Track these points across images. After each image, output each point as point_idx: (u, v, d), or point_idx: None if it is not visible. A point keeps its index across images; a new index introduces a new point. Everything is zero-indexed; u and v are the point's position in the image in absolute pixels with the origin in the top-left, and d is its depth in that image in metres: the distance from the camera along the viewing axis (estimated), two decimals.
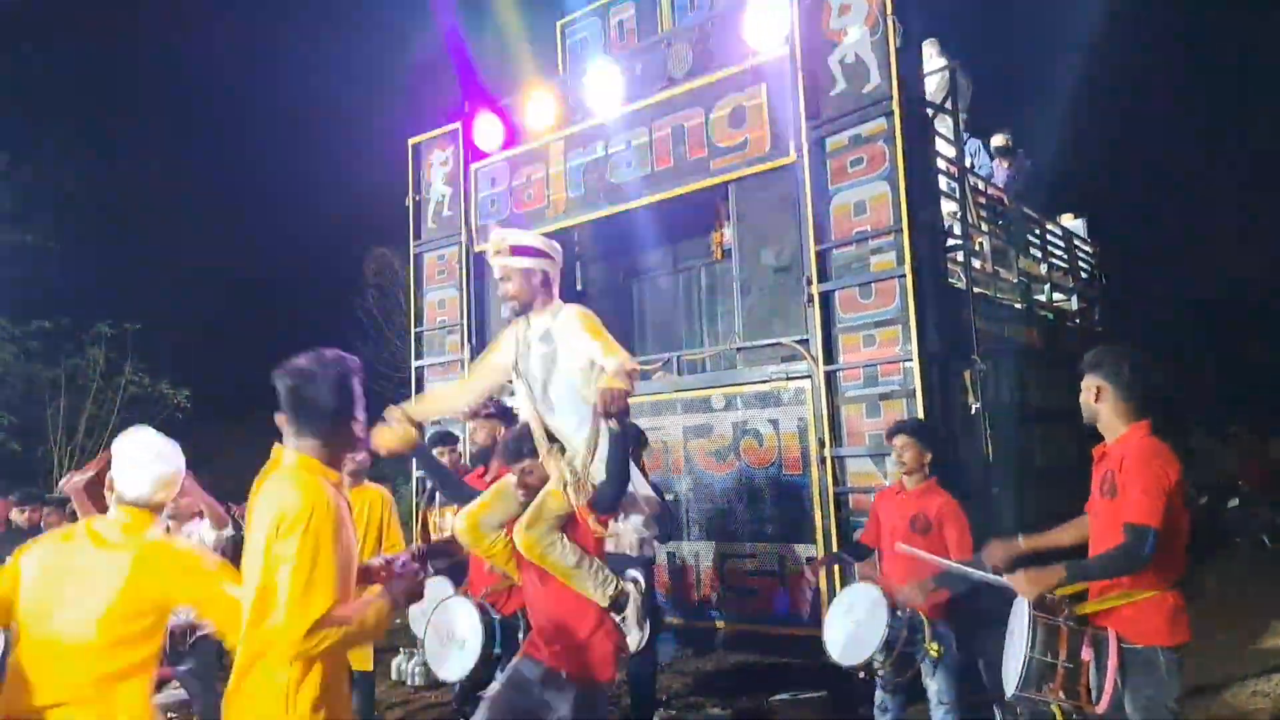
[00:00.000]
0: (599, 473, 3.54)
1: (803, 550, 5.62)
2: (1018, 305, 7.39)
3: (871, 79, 5.56)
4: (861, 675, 4.19)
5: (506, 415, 5.02)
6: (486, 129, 7.75)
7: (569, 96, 7.31)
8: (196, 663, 4.89)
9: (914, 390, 5.24)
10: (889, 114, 5.46)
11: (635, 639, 3.70)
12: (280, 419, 2.47)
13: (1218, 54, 19.68)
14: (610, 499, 3.58)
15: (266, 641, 2.24)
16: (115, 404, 15.29)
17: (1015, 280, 7.50)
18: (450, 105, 8.43)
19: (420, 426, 3.93)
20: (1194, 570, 3.25)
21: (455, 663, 4.48)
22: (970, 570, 3.54)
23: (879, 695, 4.36)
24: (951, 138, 6.39)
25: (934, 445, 4.53)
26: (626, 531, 4.16)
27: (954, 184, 6.25)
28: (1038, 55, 16.98)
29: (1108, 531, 3.11)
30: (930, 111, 6.14)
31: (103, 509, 3.05)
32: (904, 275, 5.32)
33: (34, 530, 6.69)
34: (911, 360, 5.26)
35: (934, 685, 4.18)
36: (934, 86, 6.86)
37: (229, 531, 4.93)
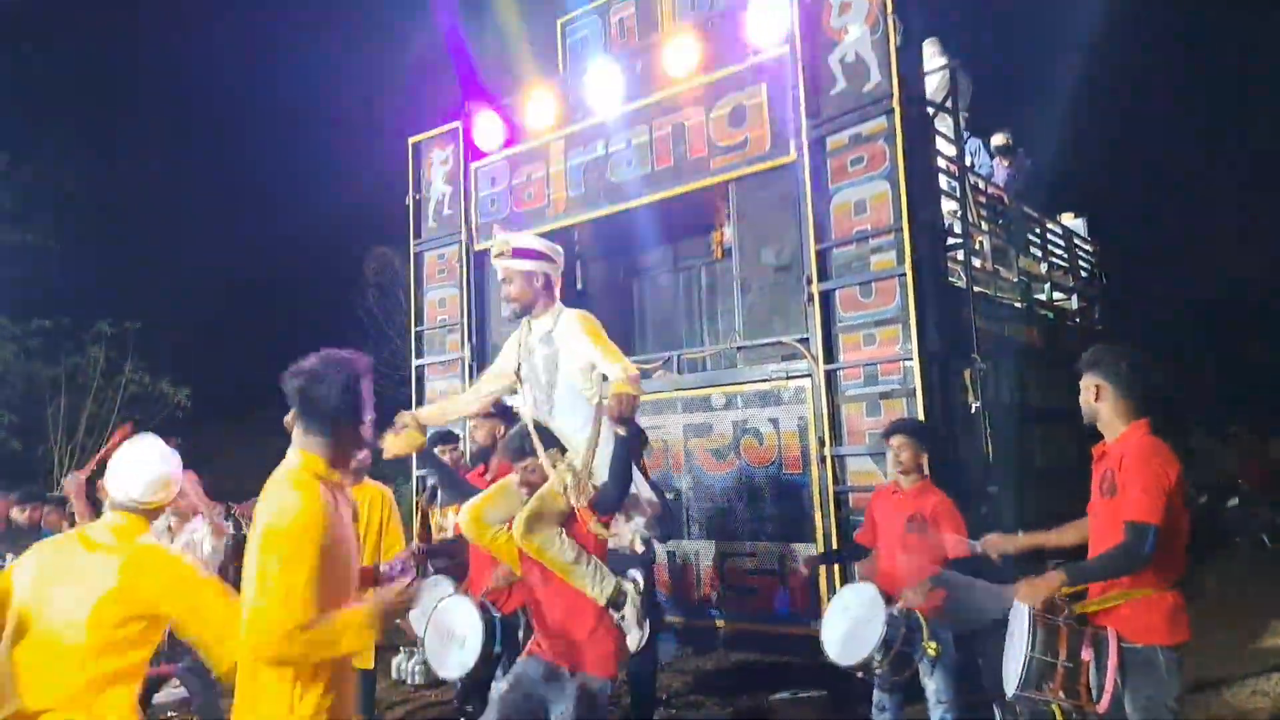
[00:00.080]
0: (601, 473, 3.56)
1: (803, 549, 5.62)
2: (1018, 304, 7.39)
3: (872, 78, 5.56)
4: (860, 675, 4.20)
5: (506, 415, 5.03)
6: (487, 128, 7.74)
7: (569, 95, 7.30)
8: (196, 661, 4.89)
9: (914, 389, 5.24)
10: (889, 113, 5.46)
11: (635, 638, 3.70)
12: (290, 418, 2.47)
13: (1218, 54, 19.68)
14: (613, 500, 3.61)
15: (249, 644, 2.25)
16: (115, 403, 15.28)
17: (1015, 279, 7.50)
18: (450, 104, 8.43)
19: (425, 429, 3.99)
20: (1194, 570, 3.25)
21: (455, 661, 4.48)
22: (976, 582, 3.55)
23: (876, 695, 4.36)
24: (952, 137, 6.39)
25: (930, 445, 4.56)
26: (626, 532, 4.16)
27: (954, 183, 6.25)
28: (1038, 55, 16.99)
29: (1108, 530, 3.12)
30: (930, 110, 6.14)
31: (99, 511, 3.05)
32: (904, 274, 5.32)
33: (34, 529, 6.70)
34: (911, 359, 5.26)
35: (932, 684, 4.18)
36: (934, 85, 6.86)
37: (229, 532, 4.94)
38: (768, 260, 6.15)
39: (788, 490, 5.79)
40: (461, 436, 6.23)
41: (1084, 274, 9.77)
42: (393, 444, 3.80)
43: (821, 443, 5.59)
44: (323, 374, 2.41)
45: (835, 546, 5.38)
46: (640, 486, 3.86)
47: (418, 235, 8.33)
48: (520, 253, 3.74)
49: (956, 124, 6.45)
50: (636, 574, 3.79)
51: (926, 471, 4.48)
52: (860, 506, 5.30)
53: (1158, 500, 2.96)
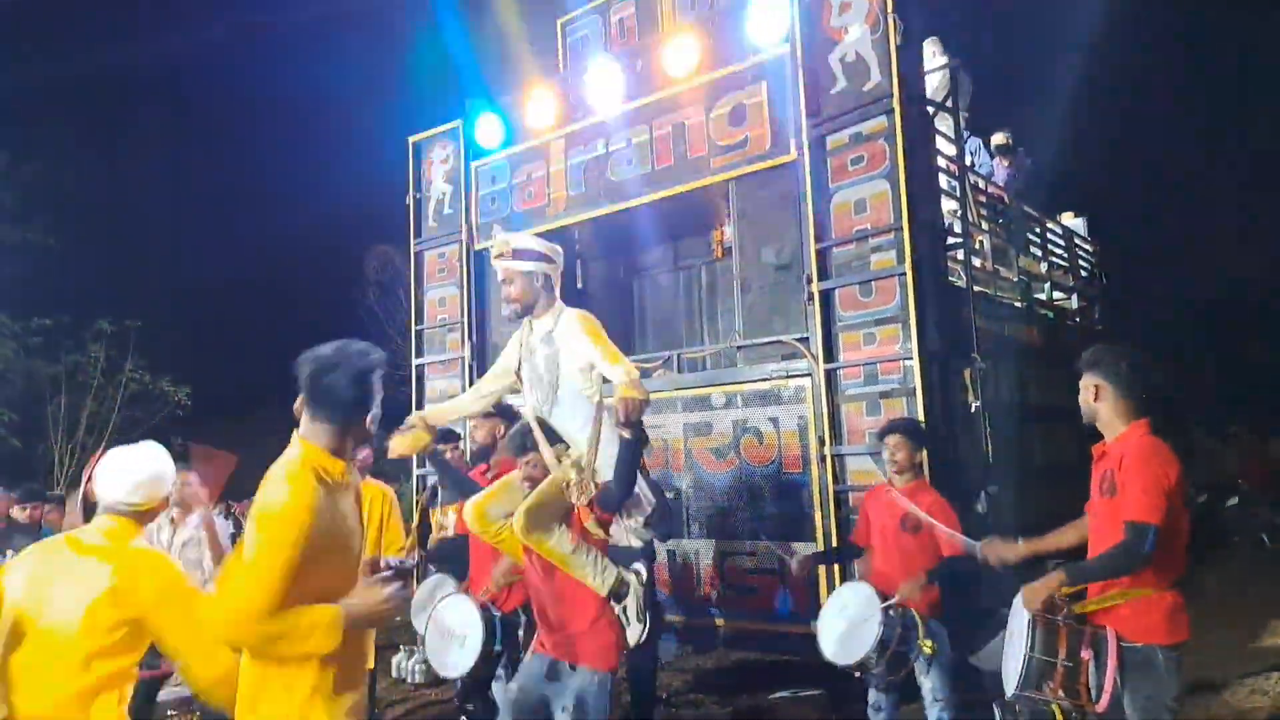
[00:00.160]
0: (604, 472, 3.58)
1: (803, 548, 5.62)
2: (1018, 304, 7.39)
3: (872, 77, 5.56)
4: (856, 674, 4.20)
5: (507, 414, 5.04)
6: (487, 127, 7.74)
7: (569, 94, 7.30)
8: None
9: (914, 389, 5.24)
10: (889, 112, 5.46)
11: (635, 632, 3.70)
12: (299, 404, 2.46)
13: (1218, 54, 19.68)
14: (616, 500, 3.64)
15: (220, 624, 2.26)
16: (116, 401, 15.31)
17: (1015, 279, 7.50)
18: (451, 103, 8.44)
19: (432, 430, 4.04)
20: (1193, 570, 3.25)
21: (455, 659, 4.49)
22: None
23: (872, 695, 4.37)
24: (952, 136, 6.39)
25: (925, 444, 4.60)
26: (622, 532, 4.18)
27: (954, 182, 6.25)
28: (1038, 55, 16.98)
29: (1107, 530, 3.12)
30: (930, 110, 6.14)
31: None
32: (904, 273, 5.32)
33: (34, 527, 6.70)
34: (911, 358, 5.26)
35: (928, 683, 4.19)
36: (935, 85, 6.86)
37: (230, 532, 4.94)
38: (768, 259, 6.15)
39: (788, 489, 5.80)
40: (462, 435, 6.24)
41: (1084, 274, 9.77)
42: (399, 444, 3.86)
43: (821, 442, 5.59)
44: (336, 362, 2.39)
45: (835, 546, 5.38)
46: (640, 486, 3.88)
47: (418, 234, 8.33)
48: (520, 253, 3.77)
49: (956, 124, 6.45)
50: (640, 566, 3.79)
51: (921, 471, 4.51)
52: (860, 505, 5.31)
53: (1158, 500, 2.96)
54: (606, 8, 7.94)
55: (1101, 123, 18.29)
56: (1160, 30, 18.91)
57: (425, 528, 5.86)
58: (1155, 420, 3.19)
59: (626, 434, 3.45)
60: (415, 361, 8.13)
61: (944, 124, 6.46)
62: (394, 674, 7.25)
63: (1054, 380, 6.72)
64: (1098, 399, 3.23)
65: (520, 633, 4.68)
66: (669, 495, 5.94)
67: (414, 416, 3.95)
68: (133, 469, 2.69)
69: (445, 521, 5.52)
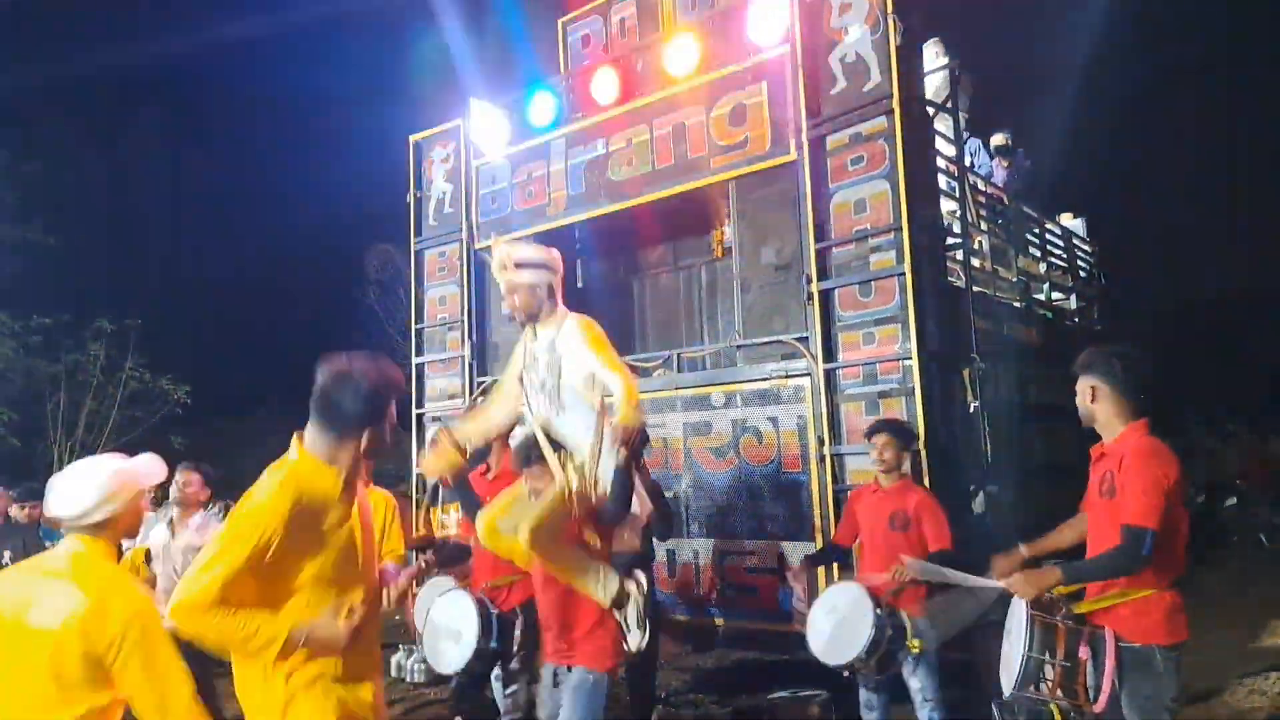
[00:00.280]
0: (605, 482, 3.62)
1: (802, 548, 5.63)
2: (1017, 304, 7.39)
3: (872, 77, 5.57)
4: (845, 674, 4.23)
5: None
6: (488, 126, 7.74)
7: (570, 94, 7.31)
8: (194, 658, 4.89)
9: (913, 388, 5.25)
10: (889, 112, 5.46)
11: (635, 639, 3.74)
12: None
13: (1218, 54, 19.69)
14: (613, 515, 3.72)
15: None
16: (115, 400, 15.29)
17: (1014, 279, 7.50)
18: (451, 102, 8.43)
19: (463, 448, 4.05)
20: (1192, 570, 3.25)
21: (450, 655, 4.51)
22: (969, 579, 3.55)
23: (864, 694, 4.40)
24: (951, 137, 6.39)
25: (912, 444, 4.67)
26: (623, 539, 4.22)
27: (954, 183, 6.26)
28: (1038, 55, 16.99)
29: (1105, 531, 3.11)
30: (931, 110, 6.15)
31: None
32: (903, 273, 5.33)
33: (34, 526, 6.71)
34: (911, 358, 5.27)
35: (916, 682, 4.21)
36: (936, 86, 6.86)
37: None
38: (768, 259, 6.15)
39: (787, 489, 5.80)
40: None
41: (1083, 274, 9.78)
42: (433, 465, 3.92)
43: (821, 441, 5.60)
44: (349, 377, 2.39)
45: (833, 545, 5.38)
46: (638, 497, 3.93)
47: (418, 233, 8.33)
48: (523, 265, 3.79)
49: (956, 124, 6.46)
50: (641, 575, 3.83)
51: (906, 470, 4.53)
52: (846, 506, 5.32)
53: (1156, 503, 2.96)
54: (607, 8, 7.94)
55: (1101, 123, 18.29)
56: (1160, 30, 18.92)
57: (429, 529, 5.87)
58: (1153, 419, 3.19)
59: (621, 454, 3.49)
60: (415, 360, 8.13)
61: (944, 124, 6.47)
62: (394, 673, 7.25)
63: (1053, 380, 6.72)
64: (1094, 400, 3.23)
65: (517, 632, 4.70)
66: (668, 495, 5.95)
67: (443, 433, 3.93)
68: (87, 481, 2.49)
69: (446, 519, 5.53)
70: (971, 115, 8.15)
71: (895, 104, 5.43)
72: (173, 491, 5.15)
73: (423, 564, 4.80)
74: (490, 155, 7.70)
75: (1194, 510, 5.28)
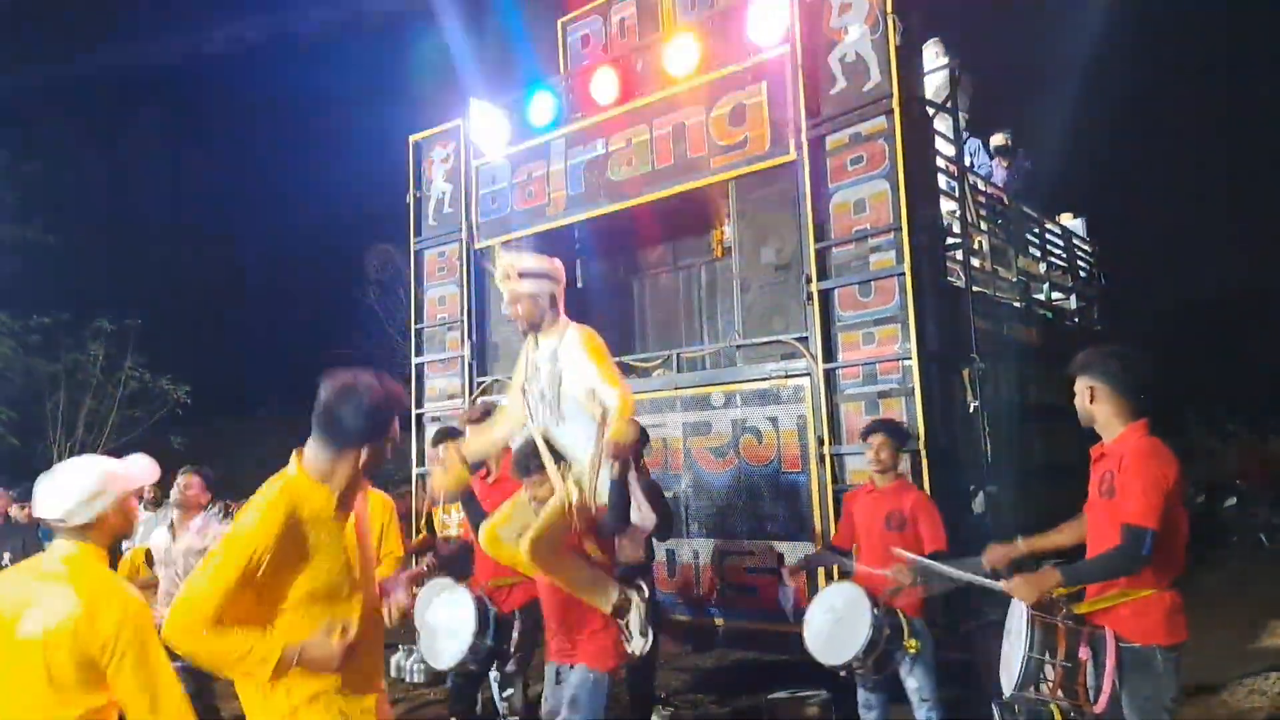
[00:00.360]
0: (604, 493, 3.63)
1: (802, 548, 5.63)
2: (1017, 304, 7.39)
3: (872, 77, 5.56)
4: (842, 674, 4.23)
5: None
6: (487, 126, 7.74)
7: (570, 94, 7.31)
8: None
9: (913, 388, 5.25)
10: (889, 112, 5.46)
11: (637, 645, 3.76)
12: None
13: (1218, 54, 19.69)
14: (610, 529, 3.74)
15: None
16: (115, 399, 15.30)
17: (1014, 279, 7.50)
18: (451, 102, 8.43)
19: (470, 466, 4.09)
20: (1192, 570, 3.25)
21: (446, 652, 4.51)
22: (970, 576, 3.54)
23: (862, 694, 4.41)
24: (951, 137, 6.39)
25: (907, 444, 4.69)
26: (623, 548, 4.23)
27: (953, 183, 6.25)
28: (1038, 55, 16.99)
29: (1105, 532, 3.11)
30: (930, 110, 6.15)
31: None
32: (903, 273, 5.33)
33: (33, 526, 6.71)
34: (910, 358, 5.27)
35: (913, 682, 4.21)
36: (936, 86, 6.86)
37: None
38: (767, 259, 6.15)
39: (787, 489, 5.80)
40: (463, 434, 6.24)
41: (1082, 274, 9.77)
42: (443, 483, 3.93)
43: (820, 441, 5.60)
44: (351, 394, 2.39)
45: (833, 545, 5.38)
46: (639, 508, 3.93)
47: (418, 233, 8.33)
48: (525, 274, 3.80)
49: (956, 124, 6.46)
50: (642, 583, 3.86)
51: (903, 470, 4.55)
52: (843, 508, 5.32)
53: (1156, 503, 2.95)
54: (607, 8, 7.94)
55: (1101, 123, 18.30)
56: (1160, 31, 18.92)
57: (430, 530, 5.87)
58: (1153, 419, 3.18)
59: (615, 469, 3.51)
60: (415, 360, 8.13)
61: (943, 124, 6.46)
62: (393, 673, 7.25)
63: (1052, 380, 6.71)
64: (1093, 401, 3.22)
65: (515, 633, 4.70)
66: (668, 495, 5.94)
67: (451, 449, 3.98)
68: (70, 482, 2.51)
69: (447, 519, 5.54)
70: (971, 115, 8.15)
71: (895, 104, 5.43)
72: (173, 494, 5.15)
73: (424, 567, 4.81)
74: (490, 155, 7.69)
75: (1194, 510, 5.27)
